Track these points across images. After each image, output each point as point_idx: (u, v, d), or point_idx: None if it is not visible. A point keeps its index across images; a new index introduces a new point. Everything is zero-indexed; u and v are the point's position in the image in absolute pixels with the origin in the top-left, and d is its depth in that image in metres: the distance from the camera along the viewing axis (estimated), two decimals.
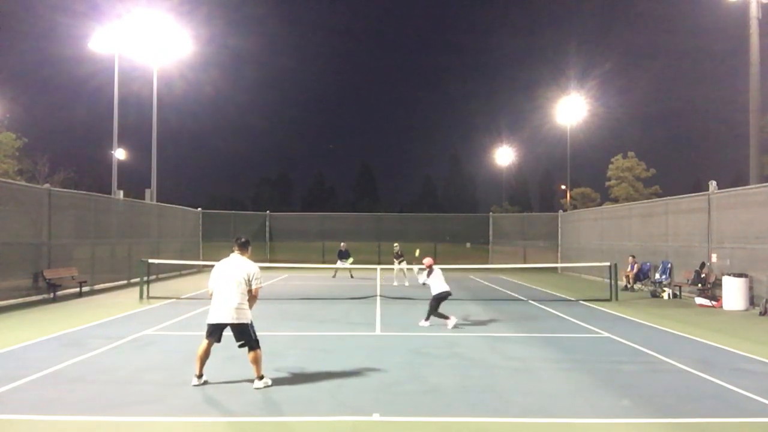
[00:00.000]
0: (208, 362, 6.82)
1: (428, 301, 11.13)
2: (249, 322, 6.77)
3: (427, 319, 11.07)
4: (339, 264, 22.68)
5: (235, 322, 6.64)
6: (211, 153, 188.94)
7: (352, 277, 23.83)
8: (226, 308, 6.64)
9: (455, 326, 10.74)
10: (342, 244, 23.67)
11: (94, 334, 10.02)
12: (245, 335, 6.72)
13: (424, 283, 11.43)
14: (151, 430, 5.35)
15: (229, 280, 6.71)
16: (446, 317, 10.84)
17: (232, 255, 6.96)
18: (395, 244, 21.71)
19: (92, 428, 5.34)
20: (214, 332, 6.76)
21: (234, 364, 7.71)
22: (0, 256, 13.75)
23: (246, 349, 6.73)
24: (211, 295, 6.86)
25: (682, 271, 17.00)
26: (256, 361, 6.68)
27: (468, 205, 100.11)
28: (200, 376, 6.76)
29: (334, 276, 23.89)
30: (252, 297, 6.84)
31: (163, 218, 24.74)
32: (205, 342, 6.77)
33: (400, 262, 20.87)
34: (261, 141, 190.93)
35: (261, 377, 6.71)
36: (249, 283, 6.76)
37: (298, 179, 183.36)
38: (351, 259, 22.88)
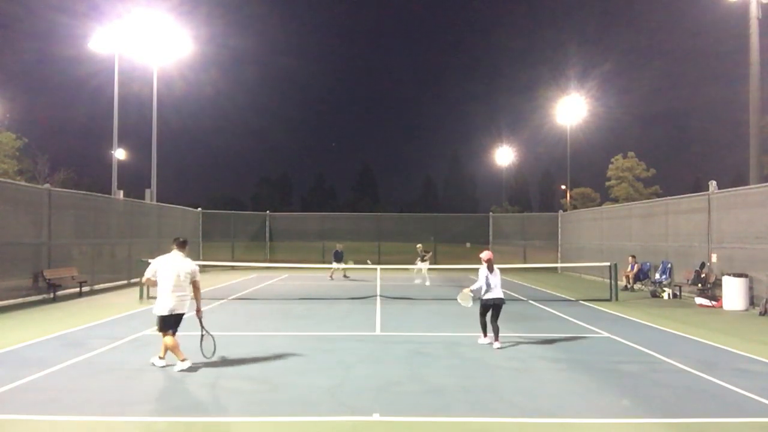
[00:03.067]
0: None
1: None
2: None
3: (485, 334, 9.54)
4: (335, 265, 22.64)
5: (185, 311, 7.56)
6: (211, 153, 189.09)
7: (346, 276, 23.75)
8: (183, 300, 7.47)
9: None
10: (338, 245, 23.76)
11: (94, 334, 10.03)
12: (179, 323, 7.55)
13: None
14: (151, 430, 5.35)
15: (180, 275, 7.45)
16: (484, 333, 9.54)
17: (173, 252, 7.66)
18: (418, 245, 22.48)
19: (92, 428, 5.34)
20: (177, 323, 7.48)
21: (233, 364, 7.73)
22: (0, 256, 13.76)
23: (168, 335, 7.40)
24: (147, 282, 7.68)
25: (682, 271, 17.01)
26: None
27: (468, 205, 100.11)
28: (185, 359, 7.34)
29: (331, 278, 23.77)
30: (196, 290, 7.68)
31: (163, 218, 24.74)
32: (171, 336, 7.38)
33: (423, 261, 21.68)
34: (261, 141, 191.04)
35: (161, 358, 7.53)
36: (192, 277, 7.60)
37: (298, 179, 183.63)
38: (350, 262, 22.95)
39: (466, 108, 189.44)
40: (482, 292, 9.29)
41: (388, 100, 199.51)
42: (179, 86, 41.16)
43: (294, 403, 6.06)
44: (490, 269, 9.32)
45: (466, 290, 9.55)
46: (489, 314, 9.33)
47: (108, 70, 28.85)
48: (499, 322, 9.28)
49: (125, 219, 20.91)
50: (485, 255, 9.56)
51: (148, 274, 7.56)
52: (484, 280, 9.26)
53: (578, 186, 59.26)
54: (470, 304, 9.74)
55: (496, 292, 9.24)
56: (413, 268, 22.11)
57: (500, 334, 9.16)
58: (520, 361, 8.16)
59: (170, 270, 7.42)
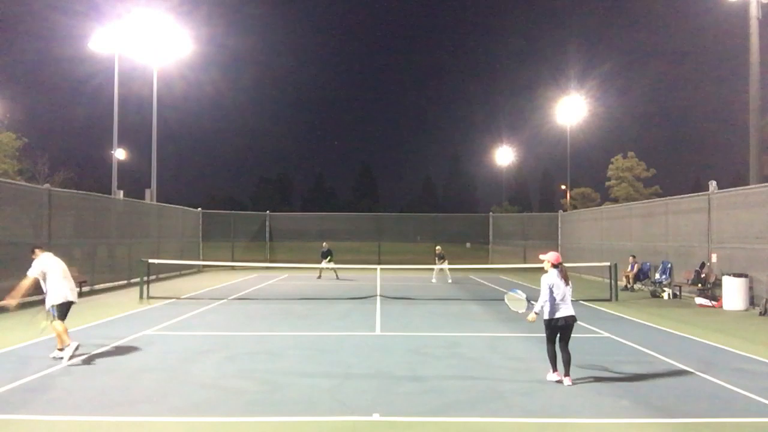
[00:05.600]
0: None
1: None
2: None
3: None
4: (323, 264, 22.49)
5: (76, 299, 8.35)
6: (211, 153, 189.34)
7: (337, 277, 23.44)
8: (74, 289, 8.35)
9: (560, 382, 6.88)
10: (324, 243, 23.50)
11: (94, 334, 10.02)
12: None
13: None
14: (151, 430, 5.35)
15: (66, 270, 8.33)
16: (553, 366, 6.98)
17: (49, 253, 8.53)
18: (438, 247, 22.74)
19: (92, 428, 5.34)
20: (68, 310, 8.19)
21: (233, 364, 7.73)
22: (0, 256, 13.74)
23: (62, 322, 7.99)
24: (38, 277, 8.18)
25: (682, 271, 17.00)
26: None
27: (468, 205, 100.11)
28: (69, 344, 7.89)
29: (319, 277, 23.57)
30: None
31: (163, 218, 24.73)
32: (62, 323, 7.99)
33: (441, 262, 22.09)
34: (261, 141, 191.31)
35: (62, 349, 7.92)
36: None
37: (298, 179, 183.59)
38: (329, 258, 22.65)
39: (466, 108, 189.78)
40: (545, 309, 6.87)
41: (388, 100, 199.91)
42: (179, 86, 41.12)
43: (294, 403, 6.06)
44: (565, 278, 6.88)
45: (531, 315, 7.05)
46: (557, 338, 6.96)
47: (108, 70, 28.87)
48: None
49: (125, 219, 20.89)
50: (553, 256, 7.00)
51: (36, 273, 8.17)
52: (549, 294, 6.80)
53: (578, 186, 59.17)
54: (522, 309, 7.74)
55: (565, 309, 6.85)
56: (434, 269, 22.65)
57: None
58: (520, 361, 8.15)
59: (58, 264, 8.31)
